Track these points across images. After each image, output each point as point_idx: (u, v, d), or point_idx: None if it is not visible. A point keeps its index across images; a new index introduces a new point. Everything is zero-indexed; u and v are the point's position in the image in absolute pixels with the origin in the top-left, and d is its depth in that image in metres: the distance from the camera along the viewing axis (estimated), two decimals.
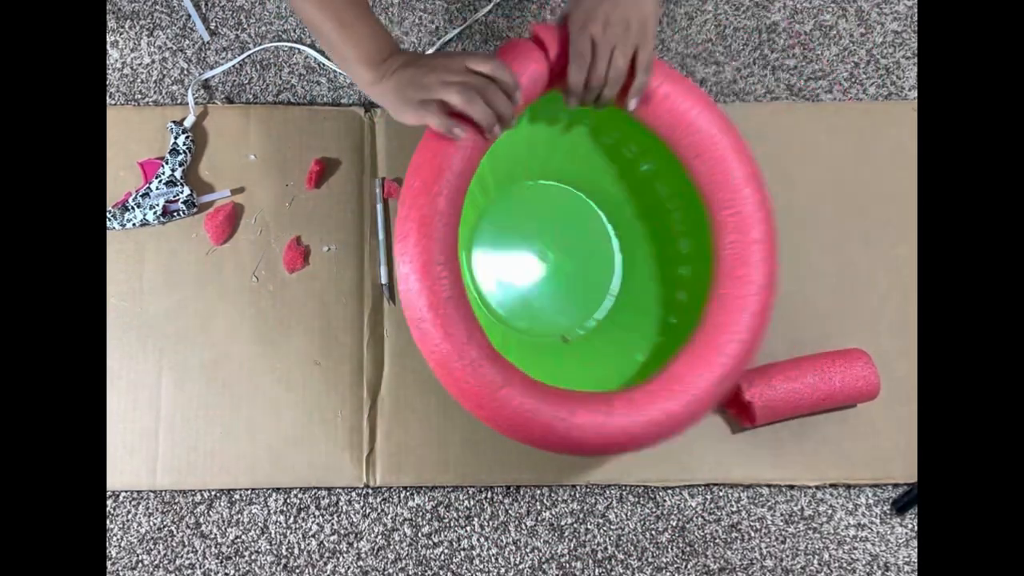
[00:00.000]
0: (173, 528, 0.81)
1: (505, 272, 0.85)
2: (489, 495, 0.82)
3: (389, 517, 0.81)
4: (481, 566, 0.80)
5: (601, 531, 0.81)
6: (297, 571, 0.80)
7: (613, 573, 0.80)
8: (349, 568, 0.80)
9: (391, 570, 0.80)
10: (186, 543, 0.81)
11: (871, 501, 0.82)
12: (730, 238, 0.68)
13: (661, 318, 0.80)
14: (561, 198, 0.87)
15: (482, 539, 0.81)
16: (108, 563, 0.80)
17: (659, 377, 0.65)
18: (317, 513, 0.81)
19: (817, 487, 0.82)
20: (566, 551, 0.81)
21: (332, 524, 0.81)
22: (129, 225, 0.84)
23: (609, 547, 0.81)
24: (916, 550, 0.81)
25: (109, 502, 0.81)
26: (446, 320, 0.60)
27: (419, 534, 0.81)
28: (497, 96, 0.61)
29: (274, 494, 0.82)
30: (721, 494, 0.82)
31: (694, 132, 0.68)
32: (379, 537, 0.81)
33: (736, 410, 0.81)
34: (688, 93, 0.68)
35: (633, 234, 0.85)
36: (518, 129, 0.77)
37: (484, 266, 0.85)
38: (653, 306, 0.81)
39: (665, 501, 0.82)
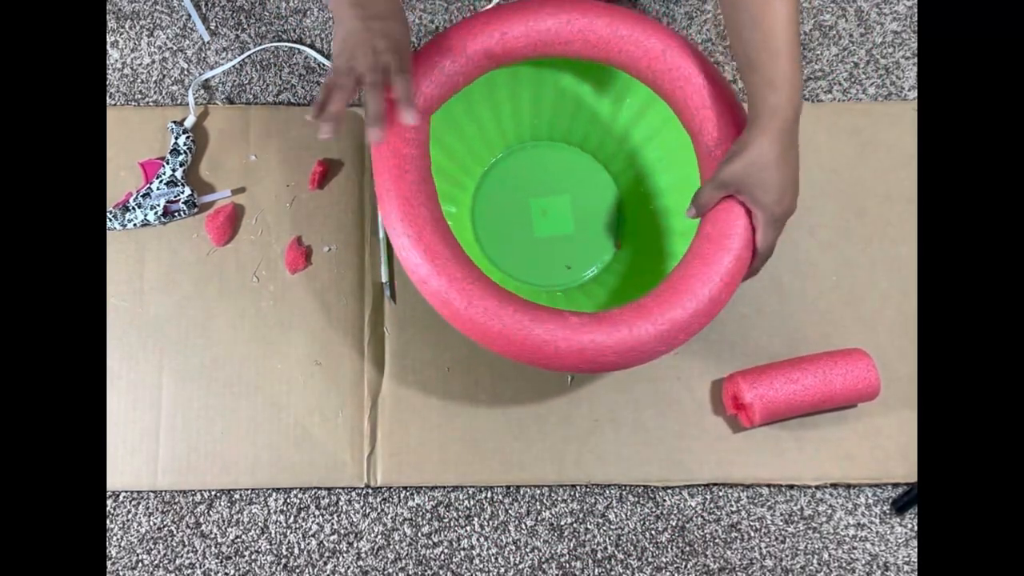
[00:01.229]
0: (173, 528, 0.81)
1: (507, 227, 0.87)
2: (489, 495, 0.82)
3: (389, 517, 0.81)
4: (481, 566, 0.81)
5: (601, 531, 0.81)
6: (297, 571, 0.80)
7: (613, 573, 0.80)
8: (349, 568, 0.80)
9: (391, 570, 0.80)
10: (186, 543, 0.81)
11: (871, 501, 0.82)
12: (704, 139, 0.69)
13: (661, 265, 0.82)
14: (564, 157, 0.89)
15: (482, 539, 0.81)
16: (108, 563, 0.80)
17: (629, 305, 0.66)
18: (317, 513, 0.81)
19: (817, 487, 0.82)
20: (566, 551, 0.81)
21: (332, 524, 0.81)
22: (130, 225, 0.84)
23: (609, 547, 0.81)
24: (916, 550, 0.81)
25: (109, 502, 0.81)
26: (428, 244, 0.65)
27: (419, 534, 0.81)
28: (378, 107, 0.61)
29: (274, 494, 0.82)
30: (721, 494, 0.82)
31: (653, 58, 0.70)
32: (379, 537, 0.81)
33: (737, 410, 0.81)
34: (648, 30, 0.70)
35: (631, 184, 0.87)
36: (518, 93, 0.82)
37: (487, 222, 0.87)
38: (652, 255, 0.83)
39: (665, 501, 0.82)
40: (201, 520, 0.81)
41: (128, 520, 0.81)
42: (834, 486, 0.82)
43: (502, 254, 0.86)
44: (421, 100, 0.68)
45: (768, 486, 0.82)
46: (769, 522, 0.82)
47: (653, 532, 0.81)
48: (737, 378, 0.79)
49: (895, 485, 0.82)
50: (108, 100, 0.89)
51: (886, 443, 0.82)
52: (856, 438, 0.82)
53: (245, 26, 0.91)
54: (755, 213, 0.66)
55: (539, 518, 0.82)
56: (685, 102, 0.69)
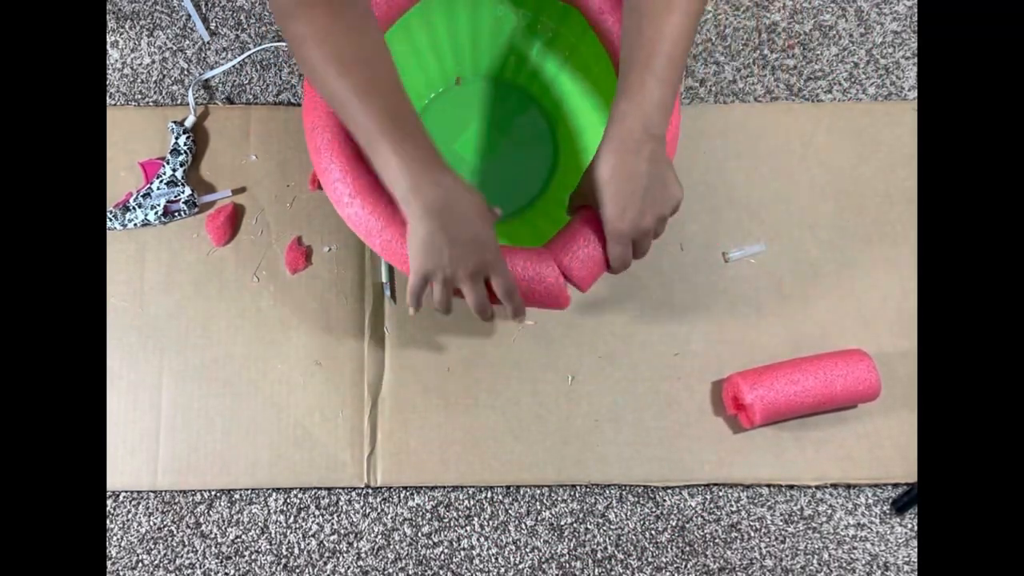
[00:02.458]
0: (173, 528, 0.81)
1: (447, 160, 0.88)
2: (489, 495, 0.82)
3: (389, 517, 0.81)
4: (481, 566, 0.81)
5: (601, 531, 0.81)
6: (297, 571, 0.80)
7: (613, 573, 0.80)
8: (349, 568, 0.80)
9: (391, 570, 0.80)
10: (186, 543, 0.81)
11: (871, 501, 0.82)
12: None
13: None
14: (502, 93, 0.89)
15: (482, 539, 0.81)
16: (108, 563, 0.80)
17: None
18: (317, 513, 0.81)
19: (817, 487, 0.82)
20: (566, 551, 0.81)
21: (332, 524, 0.81)
22: (130, 225, 0.84)
23: (609, 547, 0.81)
24: (916, 550, 0.81)
25: (109, 502, 0.81)
26: (364, 195, 0.64)
27: (419, 534, 0.81)
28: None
29: (274, 494, 0.82)
30: (721, 494, 0.82)
31: None
32: (379, 537, 0.81)
33: (737, 411, 0.81)
34: None
35: (562, 113, 0.87)
36: (454, 21, 0.81)
37: None
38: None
39: (665, 501, 0.82)
40: (201, 520, 0.81)
41: (128, 520, 0.81)
42: (834, 486, 0.82)
43: None
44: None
45: (768, 486, 0.82)
46: (769, 522, 0.82)
47: (653, 532, 0.81)
48: (737, 379, 0.79)
49: (895, 485, 0.82)
50: (108, 100, 0.89)
51: (886, 443, 0.82)
52: (856, 438, 0.82)
53: (245, 26, 0.91)
54: (604, 226, 0.62)
55: (539, 518, 0.82)
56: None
